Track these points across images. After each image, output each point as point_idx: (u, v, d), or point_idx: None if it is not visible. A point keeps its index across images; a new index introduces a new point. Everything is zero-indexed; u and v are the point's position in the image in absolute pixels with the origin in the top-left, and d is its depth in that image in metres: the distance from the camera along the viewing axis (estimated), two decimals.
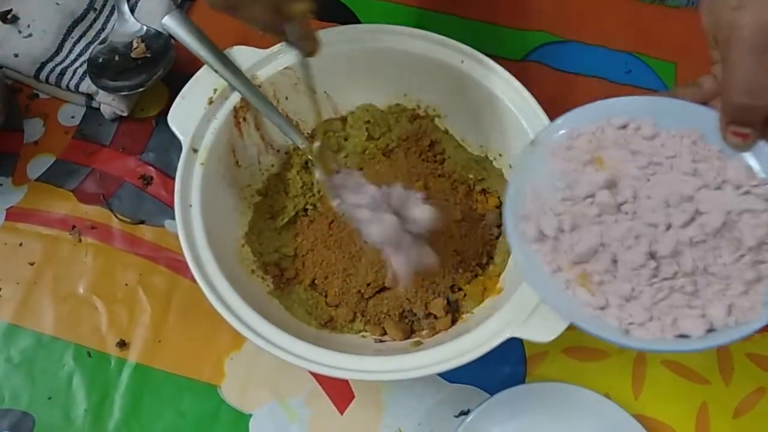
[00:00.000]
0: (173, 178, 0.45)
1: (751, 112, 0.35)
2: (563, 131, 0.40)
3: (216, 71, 0.47)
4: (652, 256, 0.35)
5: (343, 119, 0.54)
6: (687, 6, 0.65)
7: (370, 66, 0.51)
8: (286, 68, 0.49)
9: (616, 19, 0.64)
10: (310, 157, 0.52)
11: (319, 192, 0.52)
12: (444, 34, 0.50)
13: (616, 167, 0.38)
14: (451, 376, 0.49)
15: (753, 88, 0.34)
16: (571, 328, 0.39)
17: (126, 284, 0.52)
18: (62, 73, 0.58)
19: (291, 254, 0.50)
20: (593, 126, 0.40)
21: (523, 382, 0.49)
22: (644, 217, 0.36)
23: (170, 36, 0.51)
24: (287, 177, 0.52)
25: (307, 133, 0.53)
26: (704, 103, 0.38)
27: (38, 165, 0.57)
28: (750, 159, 0.37)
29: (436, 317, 0.46)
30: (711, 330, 0.34)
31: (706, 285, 0.35)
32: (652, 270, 0.35)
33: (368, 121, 0.54)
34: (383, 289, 0.48)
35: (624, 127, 0.39)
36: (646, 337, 0.35)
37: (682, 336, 0.34)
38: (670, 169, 0.37)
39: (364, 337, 0.47)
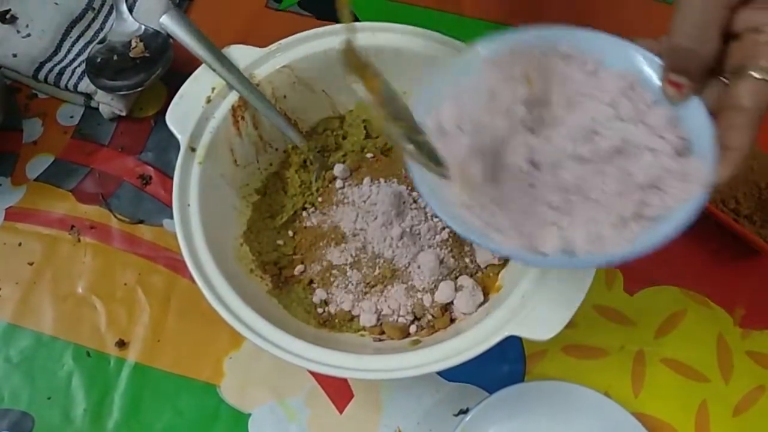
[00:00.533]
0: (172, 178, 0.45)
1: (689, 59, 0.34)
2: (509, 45, 0.38)
3: (214, 70, 0.47)
4: (534, 165, 0.34)
5: (341, 118, 0.54)
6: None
7: None
8: (284, 67, 0.49)
9: (615, 17, 0.64)
10: (308, 156, 0.52)
11: (317, 190, 0.52)
12: (443, 32, 0.50)
13: (544, 90, 0.37)
14: (450, 374, 0.49)
15: (698, 34, 0.33)
16: (569, 326, 0.39)
17: (125, 284, 0.52)
18: (61, 73, 0.58)
19: (290, 253, 0.50)
20: (540, 48, 0.38)
21: (522, 380, 0.49)
22: (544, 131, 0.35)
23: (169, 35, 0.51)
24: (286, 176, 0.52)
25: (305, 132, 0.53)
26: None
27: (37, 165, 0.57)
28: (681, 113, 0.35)
29: (434, 316, 0.46)
30: (568, 253, 0.33)
31: (579, 207, 0.34)
32: (530, 178, 0.34)
33: (366, 120, 0.54)
34: (382, 288, 0.48)
35: (569, 57, 0.38)
36: (502, 242, 0.34)
37: (539, 252, 0.34)
38: (592, 101, 0.36)
39: (362, 336, 0.47)
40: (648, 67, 0.36)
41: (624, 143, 0.34)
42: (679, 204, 0.33)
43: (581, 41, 0.38)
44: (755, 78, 0.32)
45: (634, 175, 0.34)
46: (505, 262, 0.48)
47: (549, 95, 0.37)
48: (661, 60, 0.36)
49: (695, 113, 0.35)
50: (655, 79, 0.36)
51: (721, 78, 0.35)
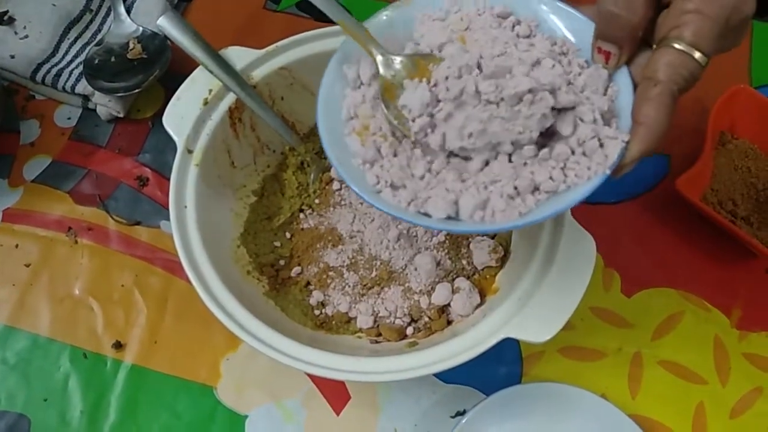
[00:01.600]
0: (169, 179, 0.45)
1: (617, 25, 0.32)
2: (443, 4, 0.38)
3: (211, 72, 0.47)
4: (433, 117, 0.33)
5: None
6: None
7: None
8: (282, 68, 0.49)
9: None
10: (305, 158, 0.52)
11: (315, 192, 0.52)
12: None
13: (471, 48, 0.35)
14: (447, 376, 0.49)
15: None
16: (566, 327, 0.39)
17: (122, 285, 0.52)
18: (58, 75, 0.58)
19: (287, 255, 0.50)
20: (474, 7, 0.37)
21: (519, 382, 0.49)
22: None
23: (166, 37, 0.51)
24: (283, 178, 0.52)
25: (303, 134, 0.53)
26: None
27: (34, 166, 0.57)
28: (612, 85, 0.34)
29: (431, 318, 0.46)
30: (452, 219, 0.33)
31: (477, 173, 0.34)
32: (435, 126, 0.34)
33: None
34: (379, 290, 0.48)
35: (503, 17, 0.37)
36: (391, 202, 0.34)
37: (426, 214, 0.33)
38: (517, 58, 0.34)
39: (359, 338, 0.47)
40: (584, 34, 0.35)
41: (534, 85, 0.32)
42: (581, 182, 0.32)
43: (518, 4, 0.37)
44: (675, 49, 0.31)
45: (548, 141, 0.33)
46: (502, 264, 0.48)
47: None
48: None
49: (621, 84, 0.34)
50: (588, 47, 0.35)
51: (652, 48, 0.33)
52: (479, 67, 0.33)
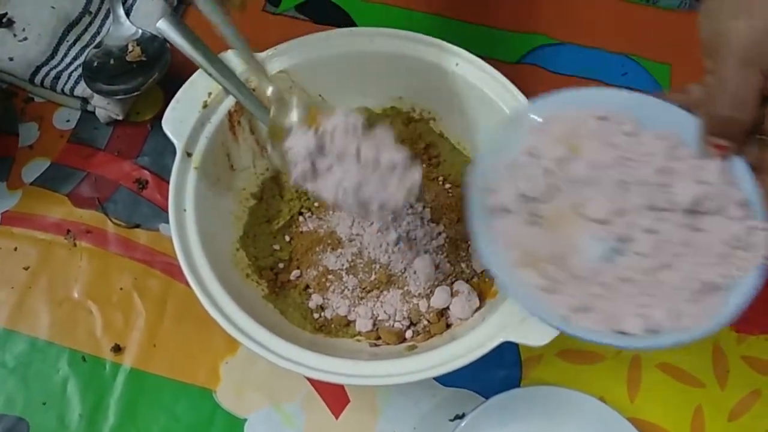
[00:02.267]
0: (169, 182, 0.45)
1: (732, 126, 0.35)
2: (542, 115, 0.40)
3: (210, 75, 0.47)
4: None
5: None
6: (680, 7, 0.65)
7: (364, 69, 0.51)
8: (281, 72, 0.49)
9: (612, 21, 0.64)
10: None
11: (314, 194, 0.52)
12: (439, 37, 0.50)
13: (589, 156, 0.37)
14: (447, 379, 0.49)
15: (737, 102, 0.34)
16: None
17: (121, 288, 0.52)
18: (57, 77, 0.58)
19: (286, 258, 0.50)
20: (574, 113, 0.39)
21: (518, 385, 0.49)
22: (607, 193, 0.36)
23: (165, 39, 0.51)
24: (282, 180, 0.52)
25: None
26: (689, 111, 0.38)
27: (33, 169, 0.57)
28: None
29: (430, 321, 0.46)
30: (652, 330, 0.34)
31: (657, 283, 0.35)
32: (606, 257, 0.35)
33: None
34: (378, 293, 0.48)
35: (605, 118, 0.38)
36: (585, 326, 0.35)
37: (622, 332, 0.34)
38: (643, 164, 0.37)
39: (358, 341, 0.47)
40: (683, 124, 0.37)
41: (694, 205, 0.35)
42: (744, 273, 0.35)
43: (614, 102, 0.39)
44: None
45: (708, 242, 0.35)
46: None
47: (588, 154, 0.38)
48: (697, 117, 0.37)
49: (740, 174, 0.36)
50: (691, 136, 0.37)
51: (760, 137, 0.36)
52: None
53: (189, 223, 0.44)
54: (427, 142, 0.54)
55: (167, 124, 0.47)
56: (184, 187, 0.45)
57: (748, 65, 0.34)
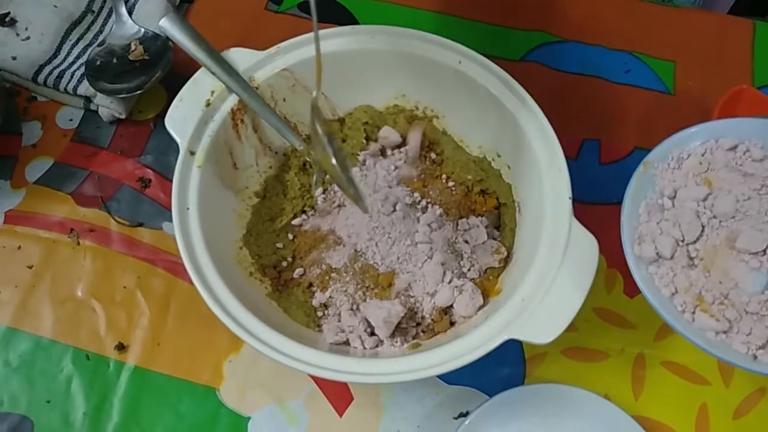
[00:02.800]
0: (172, 181, 0.45)
1: None
2: (672, 153, 0.42)
3: (213, 73, 0.47)
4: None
5: (341, 120, 0.54)
6: (694, 5, 0.65)
7: (368, 67, 0.51)
8: (284, 70, 0.49)
9: (615, 18, 0.64)
10: (307, 159, 0.52)
11: (324, 191, 0.52)
12: (442, 35, 0.50)
13: (726, 189, 0.39)
14: (450, 377, 0.49)
15: None
16: (569, 329, 0.39)
17: (124, 287, 0.52)
18: (60, 76, 0.58)
19: (289, 256, 0.50)
20: (701, 147, 0.41)
21: (522, 383, 0.49)
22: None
23: (168, 38, 0.51)
24: (285, 179, 0.52)
25: (305, 135, 0.53)
26: None
27: (36, 168, 0.57)
28: None
29: (433, 319, 0.46)
30: None
31: None
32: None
33: (366, 123, 0.53)
34: (382, 291, 0.48)
35: (733, 149, 0.40)
36: None
37: None
38: None
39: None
40: None
41: None
42: None
43: (735, 129, 0.41)
44: None
45: None
46: (504, 265, 0.48)
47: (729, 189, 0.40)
48: None
49: None
50: None
51: None
52: None
53: (192, 221, 0.44)
54: (430, 139, 0.53)
55: (170, 123, 0.47)
56: (187, 185, 0.45)
57: None
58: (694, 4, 0.65)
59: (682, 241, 0.40)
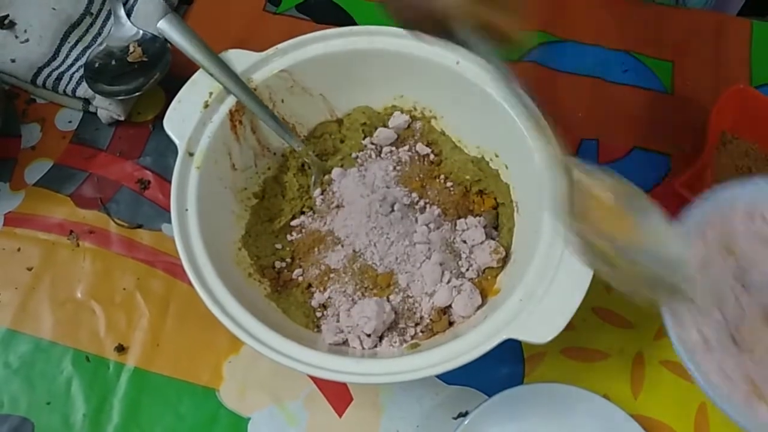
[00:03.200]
0: (170, 182, 0.45)
1: None
2: (693, 225, 0.41)
3: (211, 75, 0.48)
4: None
5: (339, 121, 0.54)
6: (697, 6, 0.65)
7: (365, 67, 0.51)
8: (282, 71, 0.50)
9: (613, 18, 0.64)
10: (306, 160, 0.52)
11: (322, 192, 0.52)
12: None
13: (748, 258, 0.39)
14: (450, 377, 0.49)
15: None
16: (568, 328, 0.39)
17: (124, 288, 0.52)
18: (59, 78, 0.58)
19: (288, 257, 0.50)
20: (719, 216, 0.41)
21: (521, 383, 0.49)
22: None
23: (166, 40, 0.51)
24: (284, 180, 0.52)
25: (303, 136, 0.54)
26: None
27: (36, 170, 0.57)
28: None
29: (432, 319, 0.46)
30: None
31: None
32: None
33: (364, 123, 0.54)
34: (380, 292, 0.48)
35: (749, 215, 0.40)
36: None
37: None
38: None
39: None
40: None
41: None
42: None
43: (752, 194, 0.41)
44: None
45: None
46: (503, 265, 0.48)
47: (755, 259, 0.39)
48: None
49: None
50: None
51: None
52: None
53: (191, 222, 0.44)
54: (428, 140, 0.54)
55: (169, 125, 0.47)
56: (186, 186, 0.45)
57: None
58: (705, 5, 0.65)
59: (723, 321, 0.39)
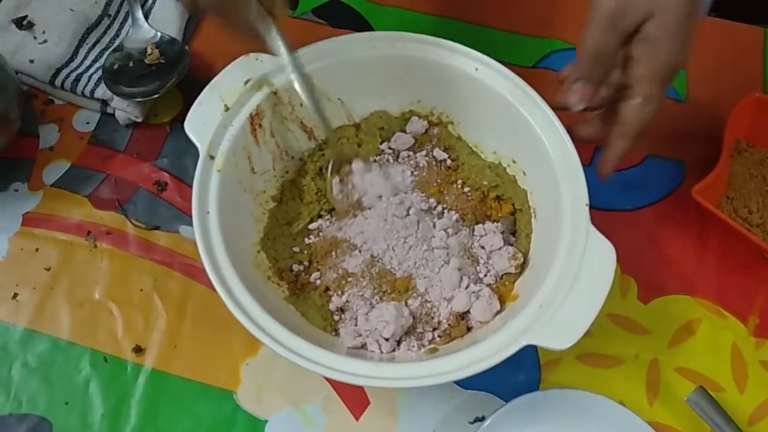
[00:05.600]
0: (187, 184, 0.45)
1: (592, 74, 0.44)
2: None
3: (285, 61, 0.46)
4: None
5: (357, 126, 0.54)
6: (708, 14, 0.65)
7: (383, 73, 0.52)
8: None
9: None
10: (324, 164, 0.52)
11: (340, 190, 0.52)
12: (457, 41, 0.50)
13: None
14: (466, 382, 0.49)
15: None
16: (585, 334, 0.40)
17: (141, 289, 0.52)
18: (77, 79, 0.59)
19: (306, 260, 0.50)
20: None
21: (537, 388, 0.49)
22: None
23: (184, 42, 0.51)
24: (302, 183, 0.53)
25: (321, 140, 0.54)
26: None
27: (54, 171, 0.57)
28: None
29: (450, 325, 0.46)
30: None
31: None
32: None
33: (382, 128, 0.54)
34: (398, 296, 0.48)
35: None
36: None
37: None
38: None
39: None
40: None
41: None
42: None
43: None
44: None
45: None
46: (521, 271, 0.48)
47: None
48: None
49: None
50: None
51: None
52: None
53: (212, 225, 0.44)
54: (445, 145, 0.54)
55: (190, 127, 0.47)
56: (207, 189, 0.45)
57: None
58: (708, 14, 0.65)
59: None
